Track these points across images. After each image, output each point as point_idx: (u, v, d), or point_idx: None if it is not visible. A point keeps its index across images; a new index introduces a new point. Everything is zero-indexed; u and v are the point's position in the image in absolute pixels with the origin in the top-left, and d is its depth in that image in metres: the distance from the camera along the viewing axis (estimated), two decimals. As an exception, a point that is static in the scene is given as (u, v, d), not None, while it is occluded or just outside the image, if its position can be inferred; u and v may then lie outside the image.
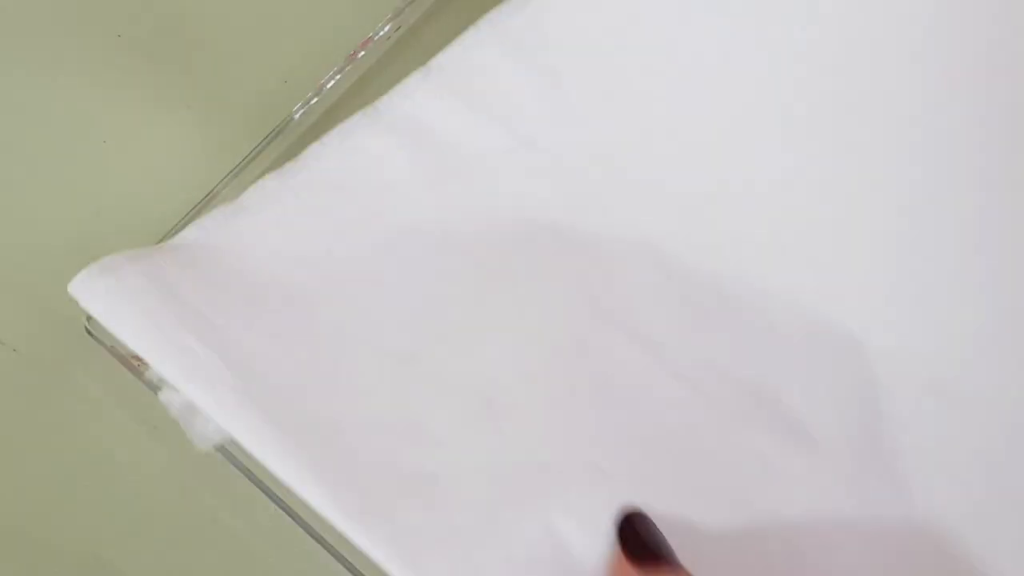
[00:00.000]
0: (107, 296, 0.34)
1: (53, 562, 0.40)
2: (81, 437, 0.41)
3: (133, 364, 0.40)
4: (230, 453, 0.39)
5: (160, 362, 0.33)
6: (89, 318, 0.40)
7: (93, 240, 0.43)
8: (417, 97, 0.39)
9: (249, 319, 0.34)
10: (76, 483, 0.41)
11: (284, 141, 0.43)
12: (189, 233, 0.37)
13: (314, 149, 0.38)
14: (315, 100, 0.43)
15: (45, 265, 0.43)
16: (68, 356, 0.42)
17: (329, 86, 0.43)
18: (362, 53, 0.44)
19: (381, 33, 0.44)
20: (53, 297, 0.42)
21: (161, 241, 0.41)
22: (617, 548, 0.29)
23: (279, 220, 0.37)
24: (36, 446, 0.41)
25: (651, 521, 0.29)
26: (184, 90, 0.45)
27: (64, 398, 0.41)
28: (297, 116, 0.43)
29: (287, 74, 0.45)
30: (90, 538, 0.40)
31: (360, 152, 0.38)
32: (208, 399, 0.32)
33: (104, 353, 0.40)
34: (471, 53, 0.39)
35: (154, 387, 0.39)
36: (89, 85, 0.46)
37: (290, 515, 0.38)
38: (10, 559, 0.40)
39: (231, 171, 0.42)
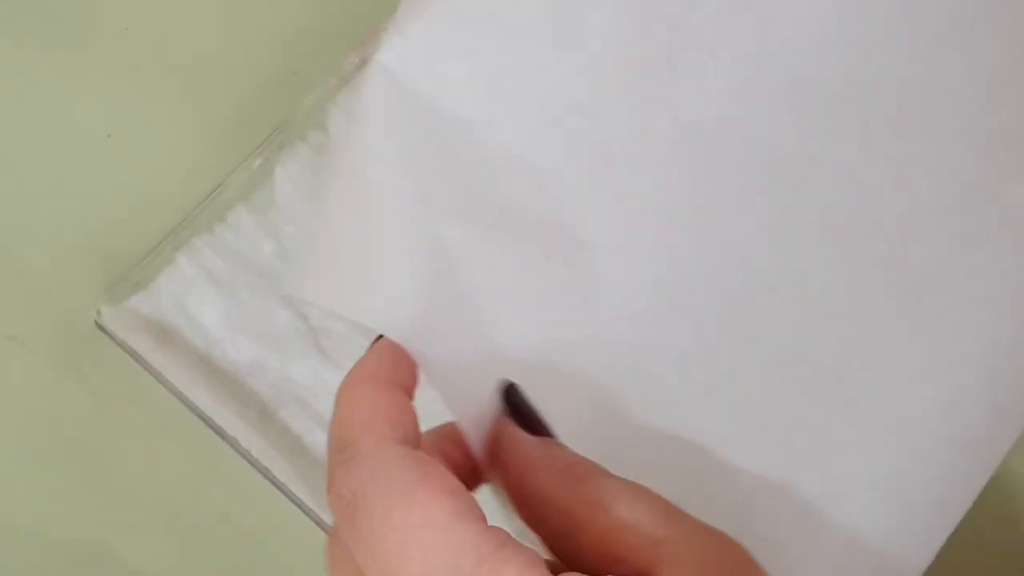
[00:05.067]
0: None
1: (63, 557, 0.40)
2: (90, 431, 0.41)
3: (142, 357, 0.40)
4: (239, 445, 0.39)
5: None
6: (99, 311, 0.40)
7: (99, 234, 0.43)
8: None
9: None
10: (86, 477, 0.41)
11: (293, 132, 0.42)
12: None
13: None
14: (324, 91, 0.43)
15: (52, 259, 0.43)
16: (77, 350, 0.42)
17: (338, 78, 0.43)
18: (371, 44, 0.44)
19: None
20: (61, 291, 0.42)
21: (170, 235, 0.41)
22: (505, 416, 0.28)
23: None
24: (45, 440, 0.41)
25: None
26: (193, 81, 0.45)
27: (73, 392, 0.41)
28: (307, 107, 0.43)
29: (296, 65, 0.45)
30: (100, 533, 0.40)
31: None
32: None
33: (113, 346, 0.40)
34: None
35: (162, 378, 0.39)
36: (95, 79, 0.45)
37: (301, 508, 0.38)
38: (20, 554, 0.40)
39: (241, 162, 0.42)
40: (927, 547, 0.33)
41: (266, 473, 0.38)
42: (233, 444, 0.39)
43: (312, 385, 0.40)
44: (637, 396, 0.33)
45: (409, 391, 0.28)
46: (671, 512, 0.26)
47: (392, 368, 0.28)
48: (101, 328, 0.40)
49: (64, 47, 0.46)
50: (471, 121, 0.33)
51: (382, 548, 0.23)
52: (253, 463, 0.39)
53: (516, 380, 0.29)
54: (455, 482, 0.25)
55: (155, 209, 0.43)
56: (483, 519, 0.24)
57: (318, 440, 0.39)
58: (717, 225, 0.33)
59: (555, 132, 0.33)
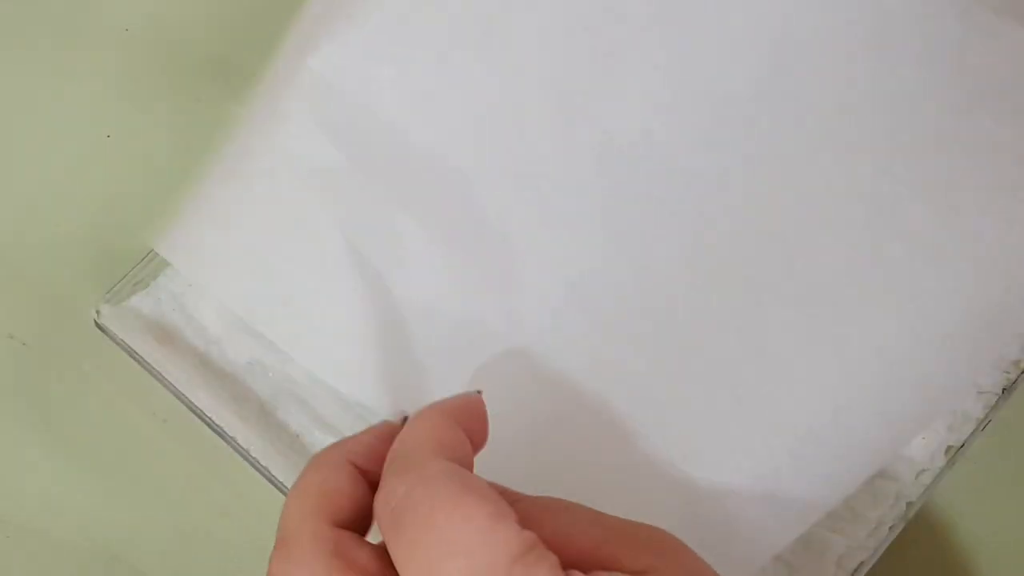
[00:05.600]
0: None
1: (63, 556, 0.40)
2: (90, 431, 0.41)
3: (142, 357, 0.40)
4: (239, 445, 0.39)
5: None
6: (98, 311, 0.40)
7: (98, 233, 0.43)
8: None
9: None
10: (85, 477, 0.41)
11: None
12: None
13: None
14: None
15: (52, 259, 0.43)
16: (77, 349, 0.42)
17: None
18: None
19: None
20: (61, 290, 0.42)
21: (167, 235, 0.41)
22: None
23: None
24: (45, 440, 0.41)
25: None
26: (193, 81, 0.45)
27: (73, 391, 0.41)
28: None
29: (294, 66, 0.45)
30: (100, 533, 0.40)
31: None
32: None
33: (113, 346, 0.40)
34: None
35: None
36: (95, 79, 0.46)
37: (300, 508, 0.38)
38: (20, 555, 0.40)
39: (239, 164, 0.42)
40: (787, 535, 0.35)
41: (266, 473, 0.39)
42: (233, 444, 0.39)
43: (311, 385, 0.40)
44: (550, 386, 0.36)
45: (474, 441, 0.30)
46: (600, 516, 0.28)
47: (463, 413, 0.30)
48: (101, 328, 0.40)
49: (64, 47, 0.46)
50: (397, 122, 0.36)
51: (424, 545, 0.25)
52: (253, 463, 0.39)
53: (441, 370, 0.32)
54: (494, 493, 0.26)
55: (153, 209, 0.43)
56: (516, 522, 0.26)
57: (317, 440, 0.39)
58: (629, 236, 0.36)
59: (478, 135, 0.36)
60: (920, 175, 0.35)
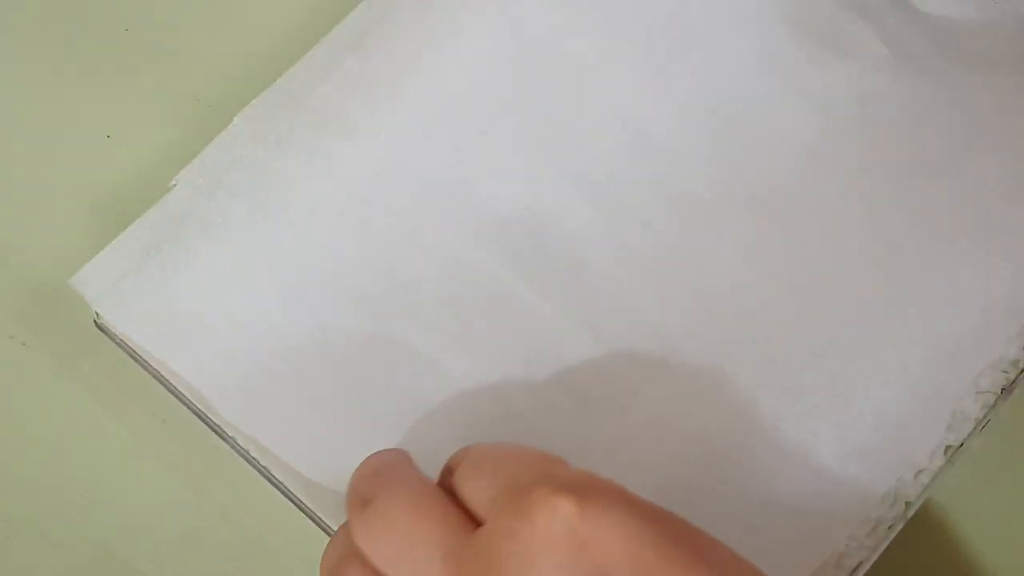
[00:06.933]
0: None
1: (63, 557, 0.40)
2: (90, 431, 0.41)
3: (142, 357, 0.40)
4: (239, 445, 0.39)
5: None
6: (98, 311, 0.40)
7: (99, 234, 0.43)
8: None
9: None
10: (85, 477, 0.41)
11: (292, 134, 0.42)
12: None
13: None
14: (322, 93, 0.43)
15: (51, 259, 0.43)
16: (76, 349, 0.42)
17: (336, 79, 0.43)
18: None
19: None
20: (60, 290, 0.42)
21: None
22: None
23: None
24: (45, 440, 0.41)
25: None
26: (192, 83, 0.45)
27: (73, 392, 0.41)
28: (305, 109, 0.43)
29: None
30: (100, 532, 0.40)
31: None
32: None
33: (112, 346, 0.40)
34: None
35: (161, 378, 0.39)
36: (94, 79, 0.46)
37: (300, 508, 0.38)
38: (20, 554, 0.40)
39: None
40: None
41: (266, 473, 0.39)
42: (232, 444, 0.39)
43: (311, 385, 0.40)
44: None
45: None
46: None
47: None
48: (101, 328, 0.40)
49: (64, 47, 0.46)
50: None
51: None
52: (253, 463, 0.39)
53: None
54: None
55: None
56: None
57: (317, 440, 0.39)
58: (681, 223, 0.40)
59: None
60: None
